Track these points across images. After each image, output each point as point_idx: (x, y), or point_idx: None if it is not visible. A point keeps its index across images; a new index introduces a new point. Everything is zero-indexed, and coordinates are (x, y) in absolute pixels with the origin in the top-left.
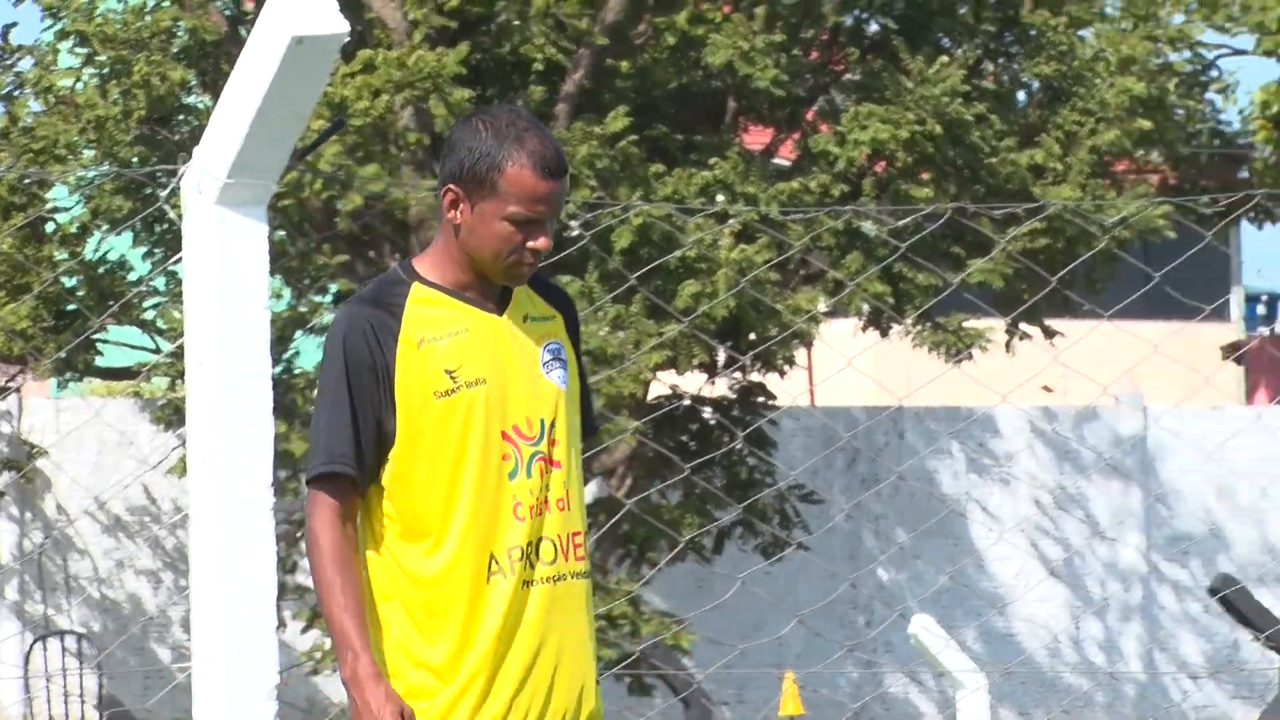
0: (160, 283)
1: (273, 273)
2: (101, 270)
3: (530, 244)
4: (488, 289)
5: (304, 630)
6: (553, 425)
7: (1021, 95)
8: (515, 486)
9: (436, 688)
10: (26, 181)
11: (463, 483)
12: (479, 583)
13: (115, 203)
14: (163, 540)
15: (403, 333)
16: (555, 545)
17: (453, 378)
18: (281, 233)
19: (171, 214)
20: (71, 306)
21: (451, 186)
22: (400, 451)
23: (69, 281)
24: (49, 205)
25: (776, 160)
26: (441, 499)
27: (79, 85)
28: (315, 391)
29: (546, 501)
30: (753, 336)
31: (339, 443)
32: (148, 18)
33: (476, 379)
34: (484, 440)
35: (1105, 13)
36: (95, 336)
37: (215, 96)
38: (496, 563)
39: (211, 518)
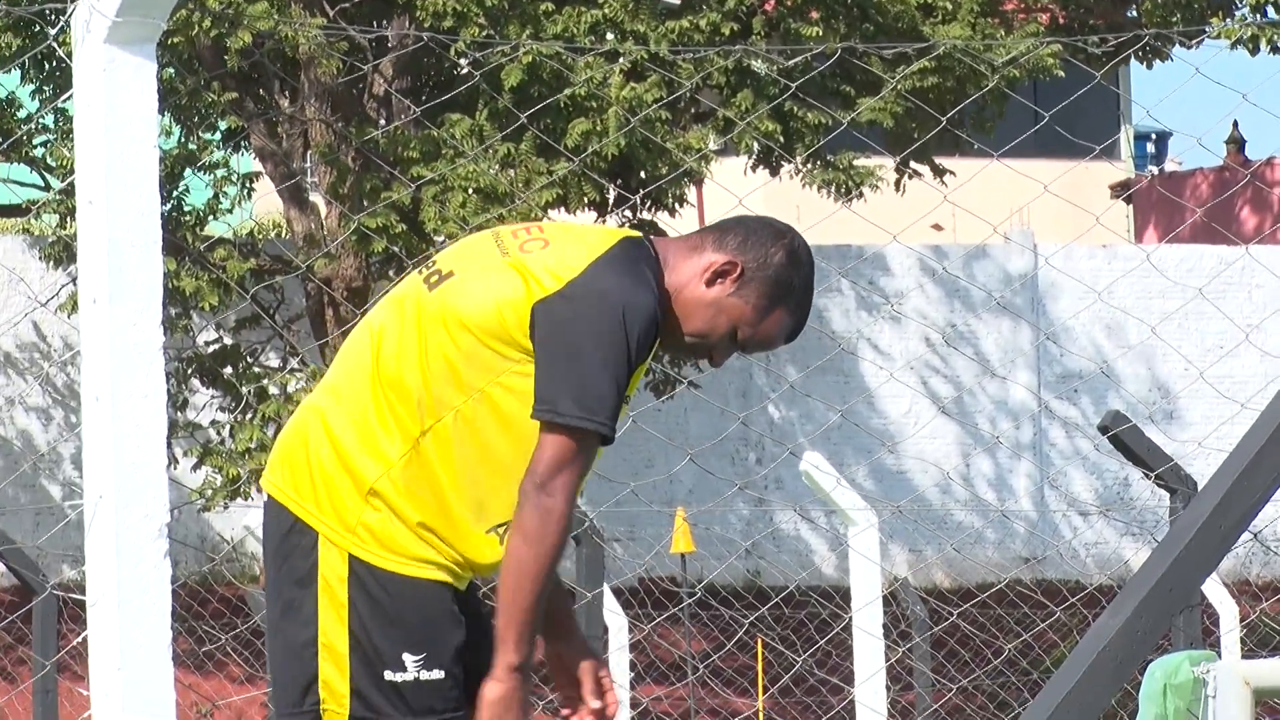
0: (50, 120)
1: (162, 111)
2: None
3: (713, 355)
4: None
5: (194, 468)
6: None
7: None
8: None
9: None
10: None
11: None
12: (485, 538)
13: (4, 40)
14: (53, 377)
15: (654, 347)
16: None
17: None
18: (170, 70)
19: (61, 52)
20: None
21: (741, 266)
22: None
23: None
24: None
25: None
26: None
27: None
28: (597, 331)
29: None
30: (643, 175)
31: (613, 409)
32: None
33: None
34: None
35: None
36: None
37: None
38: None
39: (102, 355)
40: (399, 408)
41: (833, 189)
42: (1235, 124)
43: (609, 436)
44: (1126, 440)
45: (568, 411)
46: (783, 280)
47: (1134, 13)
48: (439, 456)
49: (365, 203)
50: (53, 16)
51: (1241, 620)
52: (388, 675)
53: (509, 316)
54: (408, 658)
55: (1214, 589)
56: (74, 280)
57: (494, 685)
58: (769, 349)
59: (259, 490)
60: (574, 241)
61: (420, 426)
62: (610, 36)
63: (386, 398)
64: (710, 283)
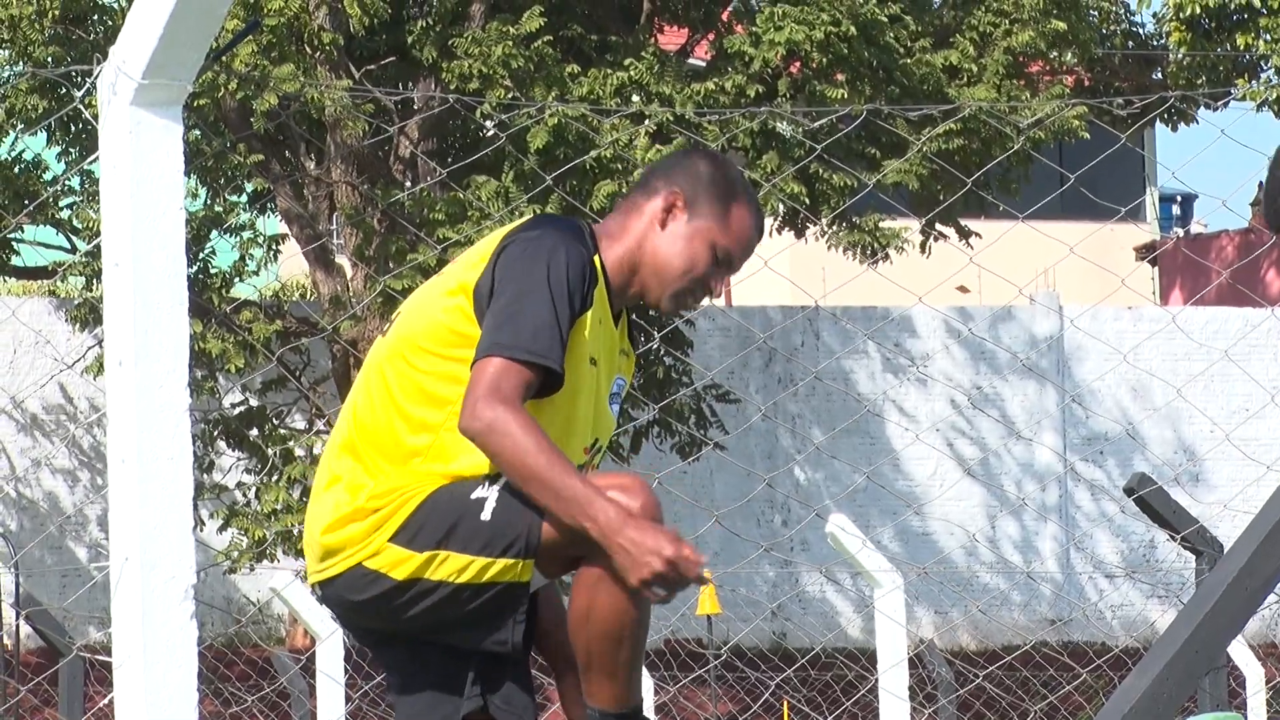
0: (76, 182)
1: (188, 173)
2: (16, 170)
3: (710, 283)
4: (620, 302)
5: (220, 529)
6: (597, 448)
7: None
8: None
9: None
10: None
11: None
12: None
13: (30, 102)
14: (79, 439)
15: (596, 292)
16: None
17: (593, 358)
18: (196, 132)
19: (87, 114)
20: None
21: (679, 192)
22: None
23: None
24: None
25: (692, 61)
26: None
27: None
28: (517, 276)
29: None
30: None
31: (556, 343)
32: None
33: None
34: (588, 425)
35: None
36: (10, 236)
37: None
38: None
39: (128, 417)
40: (374, 452)
41: (858, 250)
42: (1260, 186)
43: (537, 363)
44: (1152, 502)
45: (484, 352)
46: (720, 179)
47: (1159, 75)
48: (436, 473)
49: (391, 264)
50: (79, 79)
51: (1268, 682)
52: (484, 516)
53: (457, 317)
54: (477, 492)
55: (1240, 651)
56: (100, 342)
57: (611, 553)
58: (749, 251)
59: (285, 552)
60: (494, 232)
61: (412, 455)
62: (636, 98)
63: (366, 448)
64: (664, 223)
